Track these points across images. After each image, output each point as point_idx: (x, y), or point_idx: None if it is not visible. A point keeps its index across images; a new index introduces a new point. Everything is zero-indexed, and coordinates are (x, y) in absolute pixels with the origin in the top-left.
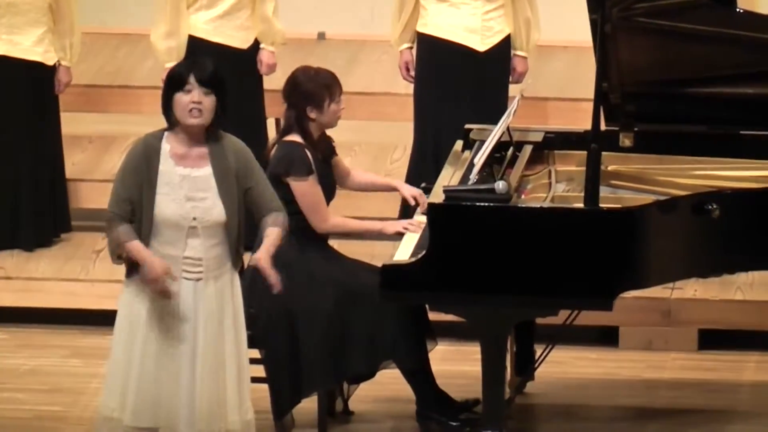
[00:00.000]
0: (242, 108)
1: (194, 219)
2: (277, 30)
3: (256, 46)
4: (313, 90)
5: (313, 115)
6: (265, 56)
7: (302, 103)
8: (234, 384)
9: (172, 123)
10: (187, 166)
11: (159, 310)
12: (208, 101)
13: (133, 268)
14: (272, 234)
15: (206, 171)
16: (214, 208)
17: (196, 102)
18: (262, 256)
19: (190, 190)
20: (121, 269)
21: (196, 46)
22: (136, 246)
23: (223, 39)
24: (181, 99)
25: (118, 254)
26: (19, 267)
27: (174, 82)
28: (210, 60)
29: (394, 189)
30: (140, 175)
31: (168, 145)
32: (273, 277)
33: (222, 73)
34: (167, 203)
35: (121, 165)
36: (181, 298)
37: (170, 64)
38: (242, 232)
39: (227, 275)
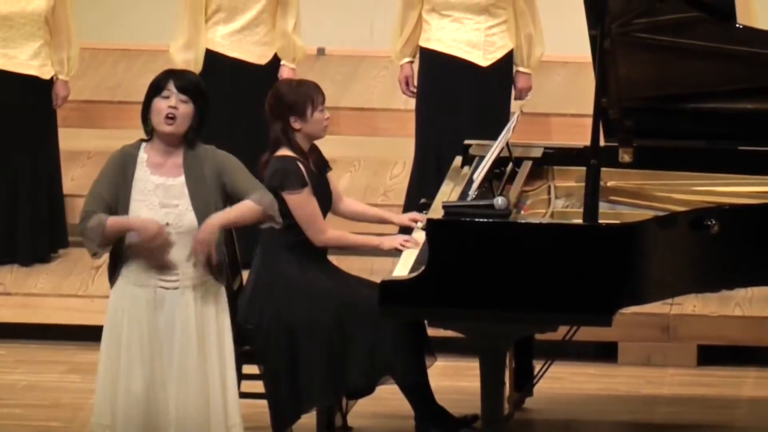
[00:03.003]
0: (258, 123)
1: (167, 224)
2: (298, 46)
3: (274, 61)
4: (294, 99)
5: (297, 125)
6: (286, 73)
7: (286, 114)
8: (219, 400)
9: (150, 132)
10: (162, 174)
11: (139, 322)
12: (185, 108)
13: (115, 268)
14: (241, 204)
15: (180, 180)
16: (187, 214)
17: (172, 107)
18: (209, 220)
19: (164, 197)
20: None
21: (213, 60)
22: (116, 219)
23: (240, 54)
24: (159, 104)
25: (102, 240)
26: (18, 283)
27: (153, 88)
28: (194, 74)
29: (386, 222)
30: (117, 181)
31: (145, 155)
32: (198, 249)
33: (236, 88)
34: (141, 209)
35: (100, 171)
36: (160, 308)
37: None
38: (225, 245)
39: (210, 290)
